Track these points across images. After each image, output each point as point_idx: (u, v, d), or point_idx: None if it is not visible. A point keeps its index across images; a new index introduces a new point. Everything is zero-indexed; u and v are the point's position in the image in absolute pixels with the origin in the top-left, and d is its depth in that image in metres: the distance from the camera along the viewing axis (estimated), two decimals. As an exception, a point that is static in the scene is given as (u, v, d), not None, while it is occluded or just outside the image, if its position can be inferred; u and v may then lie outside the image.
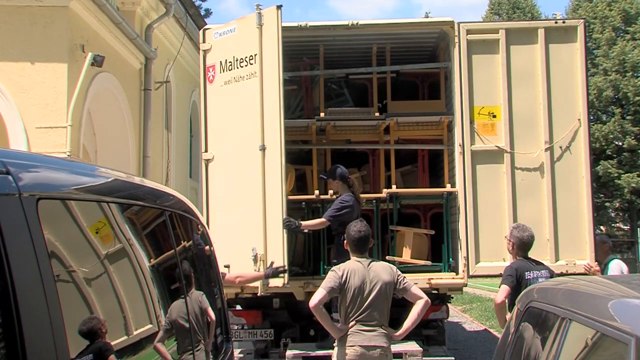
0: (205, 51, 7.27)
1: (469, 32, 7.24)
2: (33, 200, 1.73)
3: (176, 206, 3.16)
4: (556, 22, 7.37)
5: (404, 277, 4.83)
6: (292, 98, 8.90)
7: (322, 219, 6.76)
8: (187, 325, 2.91)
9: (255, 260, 6.47)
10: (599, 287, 2.83)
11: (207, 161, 7.13)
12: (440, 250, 7.59)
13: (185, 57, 13.56)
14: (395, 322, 4.92)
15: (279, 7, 6.65)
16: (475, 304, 17.57)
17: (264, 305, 7.41)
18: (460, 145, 7.14)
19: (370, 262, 4.82)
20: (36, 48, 8.06)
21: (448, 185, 7.64)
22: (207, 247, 3.79)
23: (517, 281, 5.33)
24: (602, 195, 32.11)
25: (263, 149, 6.63)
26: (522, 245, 5.59)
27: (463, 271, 7.03)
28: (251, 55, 6.79)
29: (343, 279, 4.68)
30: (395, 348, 5.54)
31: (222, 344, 3.76)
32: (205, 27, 7.62)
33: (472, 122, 7.17)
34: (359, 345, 4.62)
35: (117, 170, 2.68)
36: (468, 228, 7.00)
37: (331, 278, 4.71)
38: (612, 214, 35.96)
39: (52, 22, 8.10)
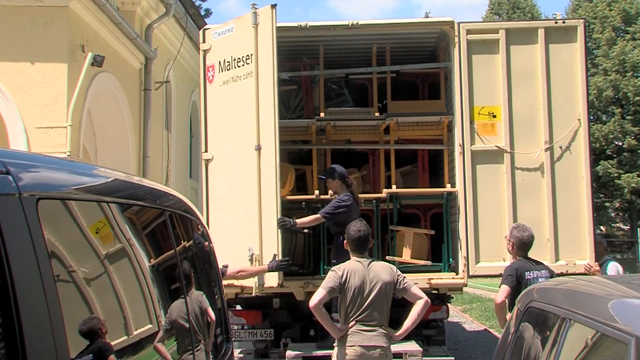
0: (205, 51, 7.29)
1: (469, 32, 7.24)
2: (33, 200, 1.73)
3: (176, 206, 3.16)
4: (556, 22, 7.37)
5: (404, 277, 4.84)
6: (292, 98, 8.89)
7: (317, 215, 6.78)
8: (187, 325, 2.91)
9: (251, 260, 6.47)
10: (599, 287, 2.83)
11: (207, 161, 7.14)
12: (440, 250, 7.58)
13: (185, 57, 13.55)
14: (395, 322, 4.92)
15: (274, 6, 6.65)
16: (475, 304, 17.56)
17: (264, 305, 7.40)
18: (460, 145, 7.13)
19: (370, 262, 4.82)
20: (36, 48, 8.06)
21: (448, 185, 7.64)
22: (207, 247, 3.79)
23: (517, 281, 5.33)
24: (602, 195, 32.14)
25: (258, 148, 6.64)
26: (522, 245, 5.59)
27: (463, 271, 7.03)
28: (247, 55, 6.79)
29: (343, 279, 4.68)
30: (395, 348, 5.54)
31: (222, 344, 3.76)
32: (205, 27, 7.62)
33: (472, 122, 7.16)
34: (359, 345, 4.62)
35: (117, 170, 2.68)
36: (468, 228, 7.00)
37: (331, 278, 4.71)
38: (612, 214, 36.00)
39: (52, 22, 8.10)
